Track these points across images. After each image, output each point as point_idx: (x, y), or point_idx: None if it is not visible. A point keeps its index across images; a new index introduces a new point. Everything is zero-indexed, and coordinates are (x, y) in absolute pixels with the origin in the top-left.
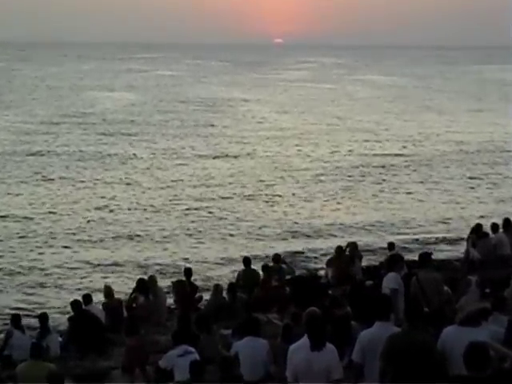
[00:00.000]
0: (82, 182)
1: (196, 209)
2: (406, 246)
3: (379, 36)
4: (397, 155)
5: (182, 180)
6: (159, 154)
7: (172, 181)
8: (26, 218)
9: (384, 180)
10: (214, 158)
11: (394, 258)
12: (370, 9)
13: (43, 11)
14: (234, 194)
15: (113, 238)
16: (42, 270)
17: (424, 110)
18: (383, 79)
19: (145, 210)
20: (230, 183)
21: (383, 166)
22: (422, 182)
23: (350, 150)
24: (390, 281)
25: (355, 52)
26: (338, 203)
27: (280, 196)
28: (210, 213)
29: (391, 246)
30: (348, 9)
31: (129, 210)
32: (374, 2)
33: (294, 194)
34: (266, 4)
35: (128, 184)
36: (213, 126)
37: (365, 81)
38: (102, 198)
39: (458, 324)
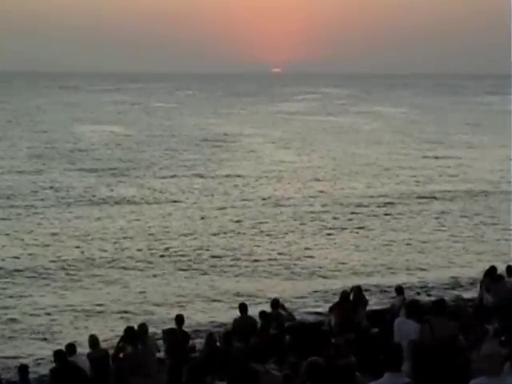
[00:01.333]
0: (68, 221)
1: (190, 246)
2: (415, 289)
3: (383, 64)
4: (404, 193)
5: (174, 218)
6: (150, 194)
7: (163, 219)
8: (7, 258)
9: (390, 218)
10: (209, 195)
11: (415, 305)
12: (371, 37)
13: (22, 39)
14: (231, 231)
15: (99, 281)
16: (22, 314)
17: (436, 144)
18: (391, 111)
19: (129, 256)
20: (229, 220)
21: (390, 203)
22: (436, 219)
23: (353, 187)
24: (410, 330)
25: (358, 81)
26: (341, 242)
27: (278, 234)
28: (207, 250)
29: (400, 290)
30: (348, 36)
31: (115, 252)
32: (375, 29)
33: (293, 232)
34: (263, 32)
35: (119, 229)
36: (209, 161)
37: (371, 113)
38: (88, 239)
39: (486, 376)
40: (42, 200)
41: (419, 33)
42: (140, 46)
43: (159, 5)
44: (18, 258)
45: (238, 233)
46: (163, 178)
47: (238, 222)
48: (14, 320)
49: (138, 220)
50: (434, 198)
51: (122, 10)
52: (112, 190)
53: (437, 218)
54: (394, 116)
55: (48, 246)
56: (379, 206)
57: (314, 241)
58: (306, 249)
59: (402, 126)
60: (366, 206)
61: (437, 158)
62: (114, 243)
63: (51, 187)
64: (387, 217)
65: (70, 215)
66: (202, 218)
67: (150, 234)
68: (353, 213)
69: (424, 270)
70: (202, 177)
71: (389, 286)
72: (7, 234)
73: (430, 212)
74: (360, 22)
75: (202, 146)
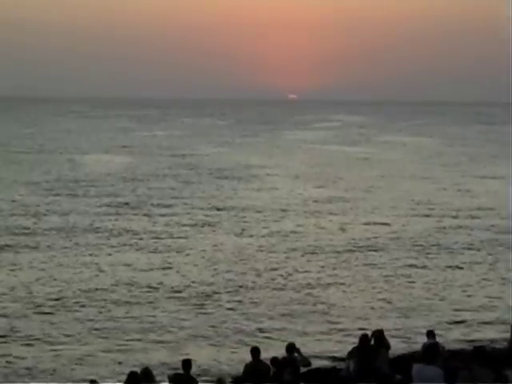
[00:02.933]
0: (74, 256)
1: (200, 282)
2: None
3: (405, 91)
4: (433, 229)
5: (186, 255)
6: (161, 229)
7: (170, 254)
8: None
9: (415, 256)
10: (224, 230)
11: (435, 348)
12: (394, 62)
13: (14, 63)
14: (242, 272)
15: (104, 319)
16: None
17: (467, 177)
18: (415, 141)
19: (136, 292)
20: (241, 259)
21: (419, 245)
22: (461, 255)
23: (382, 223)
24: (433, 377)
25: (378, 108)
26: (364, 280)
27: (297, 270)
28: (215, 295)
29: (431, 334)
30: (368, 62)
31: (115, 287)
32: (399, 55)
33: (308, 269)
34: (277, 57)
35: (124, 264)
36: (225, 193)
37: (394, 143)
38: (94, 275)
39: None
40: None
41: (443, 59)
42: (146, 70)
43: (166, 27)
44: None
45: (253, 269)
46: (175, 211)
47: (253, 257)
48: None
49: (154, 252)
50: (462, 232)
51: (126, 28)
52: (122, 225)
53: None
54: (419, 146)
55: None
56: (405, 247)
57: (334, 278)
58: (326, 286)
59: (428, 157)
60: (389, 243)
61: (468, 191)
62: (122, 283)
63: (55, 221)
64: (415, 252)
65: (76, 252)
66: (216, 253)
67: (167, 268)
68: (375, 249)
69: (457, 310)
70: (218, 209)
71: (414, 329)
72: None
73: (458, 248)
74: (377, 47)
75: (217, 177)
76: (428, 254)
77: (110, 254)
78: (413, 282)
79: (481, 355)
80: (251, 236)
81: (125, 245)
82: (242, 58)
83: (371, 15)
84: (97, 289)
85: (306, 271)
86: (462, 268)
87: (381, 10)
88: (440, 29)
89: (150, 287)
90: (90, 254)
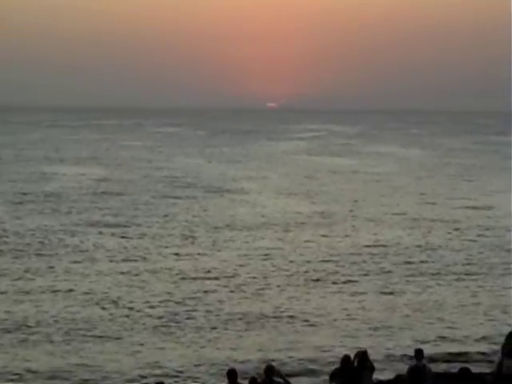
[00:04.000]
0: (41, 276)
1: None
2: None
3: (393, 100)
4: (422, 246)
5: (159, 275)
6: (135, 247)
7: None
8: None
9: (406, 271)
10: (200, 248)
11: (420, 371)
12: (381, 68)
13: None
14: (224, 286)
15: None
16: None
17: (460, 191)
18: (403, 152)
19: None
20: (225, 276)
21: (407, 262)
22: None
23: (369, 240)
24: None
25: (362, 118)
26: (345, 297)
27: (273, 288)
28: (194, 310)
29: (419, 353)
30: (353, 68)
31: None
32: (385, 61)
33: (288, 285)
34: (255, 63)
35: (96, 283)
36: (201, 208)
37: (382, 154)
38: (62, 298)
39: None
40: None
41: (430, 66)
42: (118, 77)
43: (140, 30)
44: None
45: (231, 288)
46: (151, 227)
47: (233, 276)
48: None
49: (126, 274)
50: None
51: (99, 34)
52: (94, 243)
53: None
54: (407, 157)
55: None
56: (395, 262)
57: (314, 296)
58: (309, 304)
59: (418, 169)
60: (377, 259)
61: (469, 207)
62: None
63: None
64: (402, 270)
65: (45, 270)
66: (192, 276)
67: (138, 286)
68: (360, 267)
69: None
70: (195, 225)
71: (400, 350)
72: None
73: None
74: (362, 52)
75: (192, 190)
76: (415, 270)
77: (81, 273)
78: (399, 300)
79: (466, 377)
80: (228, 254)
81: (97, 262)
82: (217, 65)
83: (355, 18)
84: (65, 309)
85: (282, 290)
86: (450, 285)
87: (365, 14)
88: (430, 33)
89: (123, 307)
90: (55, 277)
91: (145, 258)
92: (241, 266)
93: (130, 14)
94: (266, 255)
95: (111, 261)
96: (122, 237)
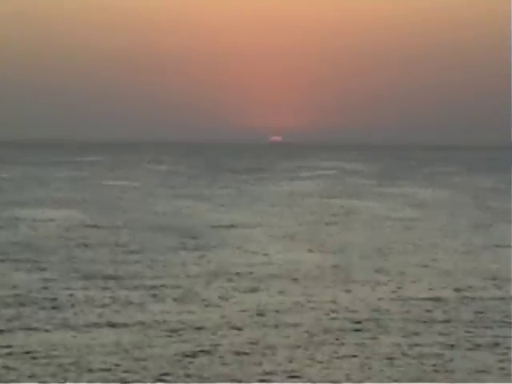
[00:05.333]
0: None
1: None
2: None
3: (408, 134)
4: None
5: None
6: (117, 303)
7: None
8: None
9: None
10: (195, 309)
11: None
12: (394, 100)
13: None
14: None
15: None
16: None
17: (502, 239)
18: (430, 193)
19: None
20: (219, 334)
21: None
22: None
23: (389, 296)
24: None
25: (378, 154)
26: (355, 358)
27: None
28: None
29: None
30: (364, 99)
31: None
32: (399, 91)
33: (298, 347)
34: (258, 94)
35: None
36: (198, 259)
37: (399, 195)
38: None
39: None
40: None
41: (451, 99)
42: (100, 108)
43: (121, 49)
44: None
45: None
46: (133, 283)
47: (232, 340)
48: None
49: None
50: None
51: (75, 57)
52: (69, 300)
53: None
54: (436, 199)
55: None
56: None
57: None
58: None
59: (450, 213)
60: (406, 324)
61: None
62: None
63: None
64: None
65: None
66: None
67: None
68: (373, 327)
69: None
70: (187, 276)
71: None
72: None
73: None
74: (374, 83)
75: (186, 238)
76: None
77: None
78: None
79: None
80: (229, 309)
81: (69, 323)
82: (214, 92)
83: (365, 46)
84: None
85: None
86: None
87: (374, 43)
88: (447, 63)
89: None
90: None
91: (126, 314)
92: (242, 326)
93: (104, 37)
94: (271, 311)
95: (87, 318)
96: (101, 292)
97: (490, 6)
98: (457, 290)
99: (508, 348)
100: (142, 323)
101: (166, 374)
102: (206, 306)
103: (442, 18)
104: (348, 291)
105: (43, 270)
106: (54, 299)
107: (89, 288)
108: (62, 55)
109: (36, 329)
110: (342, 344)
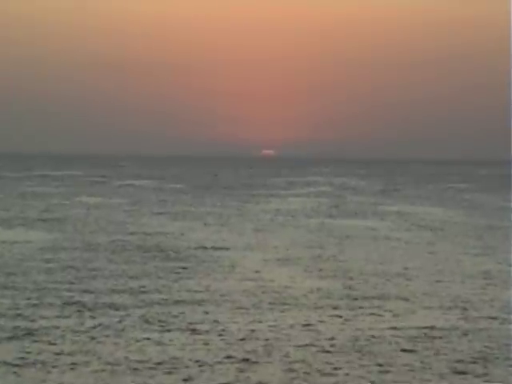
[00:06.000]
0: None
1: None
2: None
3: (409, 147)
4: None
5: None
6: (96, 332)
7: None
8: None
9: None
10: (184, 341)
11: None
12: (394, 109)
13: None
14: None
15: None
16: None
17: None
18: (430, 212)
19: None
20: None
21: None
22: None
23: (396, 325)
24: None
25: (377, 168)
26: None
27: None
28: None
29: None
30: (361, 109)
31: None
32: (398, 99)
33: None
34: (249, 106)
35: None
36: (186, 285)
37: (399, 214)
38: None
39: None
40: None
41: (456, 105)
42: (72, 116)
43: (116, 57)
44: None
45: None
46: (114, 311)
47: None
48: None
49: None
50: None
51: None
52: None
53: None
54: (445, 219)
55: None
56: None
57: None
58: None
59: (463, 234)
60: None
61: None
62: None
63: None
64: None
65: None
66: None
67: None
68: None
69: None
70: (175, 301)
71: None
72: None
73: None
74: (371, 94)
75: (172, 261)
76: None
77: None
78: None
79: None
80: (224, 339)
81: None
82: (200, 101)
83: (361, 56)
84: None
85: None
86: None
87: (372, 51)
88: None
89: None
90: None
91: (107, 345)
92: (239, 360)
93: (96, 49)
94: (268, 340)
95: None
96: (77, 320)
97: (493, 19)
98: (461, 319)
99: None
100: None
101: None
102: (191, 333)
103: (443, 24)
104: (347, 320)
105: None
106: (26, 328)
107: (61, 317)
108: (32, 59)
109: None
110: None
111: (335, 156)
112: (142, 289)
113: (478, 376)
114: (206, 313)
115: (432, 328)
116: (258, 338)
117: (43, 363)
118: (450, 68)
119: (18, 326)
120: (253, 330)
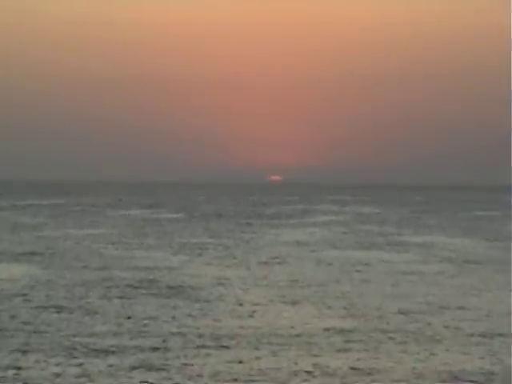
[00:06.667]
0: None
1: None
2: None
3: (426, 173)
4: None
5: None
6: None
7: None
8: None
9: None
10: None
11: None
12: (397, 137)
13: None
14: None
15: None
16: None
17: None
18: (449, 242)
19: None
20: None
21: None
22: None
23: (421, 366)
24: None
25: (394, 195)
26: None
27: None
28: None
29: None
30: (365, 137)
31: None
32: (400, 127)
33: None
34: (256, 130)
35: None
36: (185, 323)
37: (421, 245)
38: None
39: None
40: None
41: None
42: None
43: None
44: None
45: None
46: (104, 357)
47: None
48: None
49: None
50: None
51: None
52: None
53: None
54: (469, 251)
55: None
56: None
57: None
58: None
59: (491, 268)
60: None
61: None
62: None
63: None
64: None
65: None
66: None
67: None
68: None
69: None
70: (175, 348)
71: None
72: None
73: None
74: (384, 115)
75: (170, 299)
76: None
77: None
78: None
79: None
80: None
81: None
82: (205, 127)
83: (366, 75)
84: None
85: None
86: None
87: (375, 71)
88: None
89: None
90: None
91: None
92: None
93: (89, 66)
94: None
95: None
96: (62, 367)
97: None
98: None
99: None
100: None
101: None
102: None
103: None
104: (358, 360)
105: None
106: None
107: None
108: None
109: None
110: None
111: (342, 181)
112: (136, 330)
113: None
114: (211, 353)
115: (463, 371)
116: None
117: None
118: (463, 83)
119: (4, 377)
120: (264, 369)
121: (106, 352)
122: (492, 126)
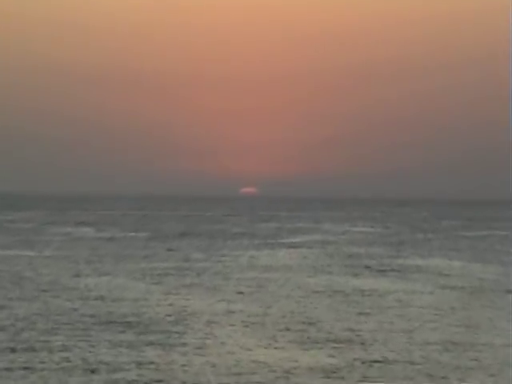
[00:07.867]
0: None
1: None
2: None
3: (424, 186)
4: None
5: None
6: None
7: None
8: None
9: None
10: None
11: None
12: (387, 139)
13: None
14: None
15: None
16: None
17: None
18: (454, 266)
19: None
20: None
21: None
22: None
23: None
24: None
25: (387, 211)
26: None
27: None
28: None
29: None
30: (354, 146)
31: None
32: (389, 141)
33: None
34: (229, 138)
35: None
36: (153, 365)
37: (423, 269)
38: None
39: None
40: None
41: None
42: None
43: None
44: None
45: None
46: None
47: None
48: None
49: None
50: None
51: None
52: None
53: None
54: (478, 276)
55: None
56: None
57: None
58: None
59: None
60: None
61: None
62: None
63: None
64: None
65: None
66: None
67: None
68: None
69: None
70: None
71: None
72: None
73: None
74: (374, 127)
75: (131, 334)
76: None
77: None
78: None
79: None
80: None
81: None
82: (172, 137)
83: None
84: None
85: None
86: None
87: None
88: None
89: None
90: None
91: None
92: None
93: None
94: None
95: None
96: None
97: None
98: None
99: None
100: None
101: None
102: None
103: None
104: None
105: None
106: None
107: None
108: None
109: None
110: None
111: (321, 194)
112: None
113: None
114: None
115: None
116: None
117: None
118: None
119: None
120: None
121: None
122: (492, 126)
